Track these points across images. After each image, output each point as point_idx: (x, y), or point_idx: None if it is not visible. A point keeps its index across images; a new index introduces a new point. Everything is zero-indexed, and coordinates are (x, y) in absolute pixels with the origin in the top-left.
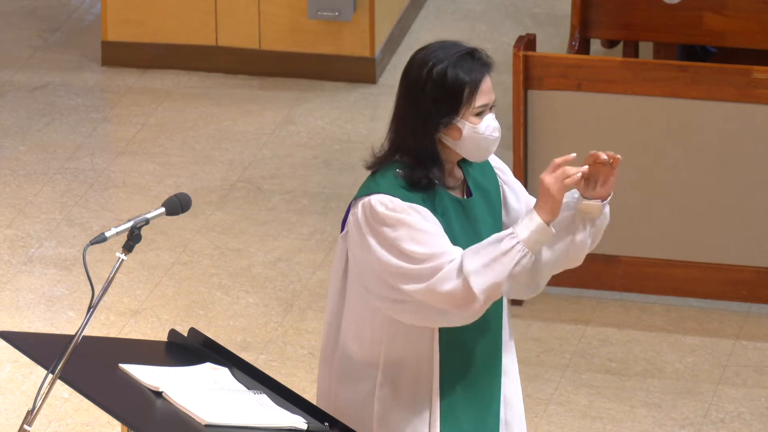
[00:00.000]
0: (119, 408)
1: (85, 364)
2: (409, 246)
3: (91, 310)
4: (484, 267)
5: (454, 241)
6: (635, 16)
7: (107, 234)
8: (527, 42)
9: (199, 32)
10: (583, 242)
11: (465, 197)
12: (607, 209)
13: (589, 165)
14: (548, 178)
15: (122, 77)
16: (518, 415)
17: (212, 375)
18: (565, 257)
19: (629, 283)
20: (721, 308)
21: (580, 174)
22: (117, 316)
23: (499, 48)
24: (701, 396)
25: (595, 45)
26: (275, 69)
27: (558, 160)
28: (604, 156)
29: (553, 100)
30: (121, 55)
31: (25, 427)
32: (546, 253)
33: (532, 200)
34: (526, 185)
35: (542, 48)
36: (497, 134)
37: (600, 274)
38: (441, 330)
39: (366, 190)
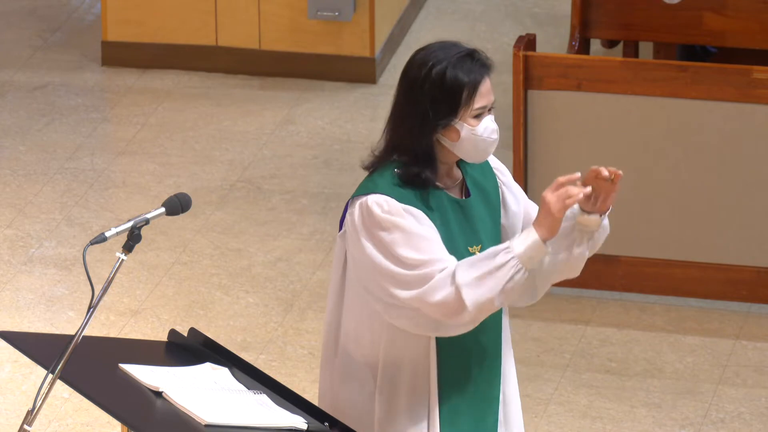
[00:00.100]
0: (119, 408)
1: (85, 364)
2: (403, 251)
3: (91, 310)
4: (477, 280)
5: (453, 242)
6: (635, 16)
7: (107, 234)
8: (527, 42)
9: (199, 32)
10: (581, 254)
11: (463, 197)
12: (606, 221)
13: (591, 181)
14: (550, 197)
15: (122, 77)
16: (516, 414)
17: (212, 375)
18: (562, 269)
19: (629, 283)
20: (721, 308)
21: (582, 195)
22: (117, 316)
23: (499, 48)
24: (701, 396)
25: (595, 45)
26: (275, 69)
27: (562, 179)
28: (605, 172)
29: (553, 100)
30: (121, 55)
31: (25, 427)
32: (543, 265)
33: (531, 204)
34: (526, 185)
35: (542, 48)
36: (495, 136)
37: (600, 274)
38: None
39: (363, 190)
